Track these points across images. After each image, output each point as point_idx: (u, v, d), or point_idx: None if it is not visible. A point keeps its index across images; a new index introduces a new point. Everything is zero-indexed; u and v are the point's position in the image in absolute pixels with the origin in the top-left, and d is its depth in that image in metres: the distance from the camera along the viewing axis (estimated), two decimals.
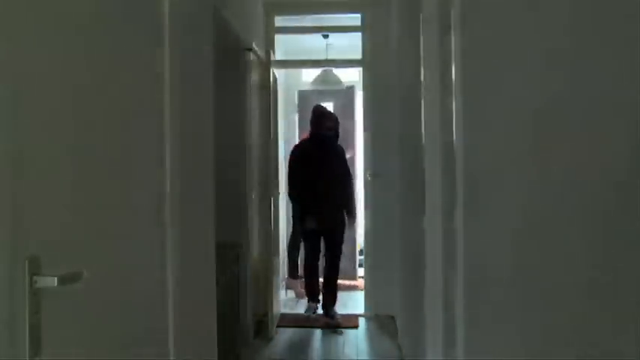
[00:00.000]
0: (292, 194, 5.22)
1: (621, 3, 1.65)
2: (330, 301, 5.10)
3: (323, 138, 5.14)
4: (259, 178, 4.78)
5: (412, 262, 3.32)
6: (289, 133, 6.90)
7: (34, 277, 0.98)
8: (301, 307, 5.52)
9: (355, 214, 5.40)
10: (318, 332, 4.84)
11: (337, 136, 5.28)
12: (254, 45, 4.59)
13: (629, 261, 1.63)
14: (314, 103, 6.32)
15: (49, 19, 1.09)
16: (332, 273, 5.14)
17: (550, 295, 1.67)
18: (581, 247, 1.66)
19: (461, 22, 1.75)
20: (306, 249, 5.29)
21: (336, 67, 6.76)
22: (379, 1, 5.22)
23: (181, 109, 1.79)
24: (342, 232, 5.19)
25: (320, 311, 5.15)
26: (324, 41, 6.61)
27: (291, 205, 5.69)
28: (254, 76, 4.69)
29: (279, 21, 5.67)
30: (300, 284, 5.79)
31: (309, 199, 5.04)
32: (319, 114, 5.24)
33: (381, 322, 5.08)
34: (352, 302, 5.74)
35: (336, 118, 5.35)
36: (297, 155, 5.21)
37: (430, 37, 2.32)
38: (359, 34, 5.53)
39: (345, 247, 5.43)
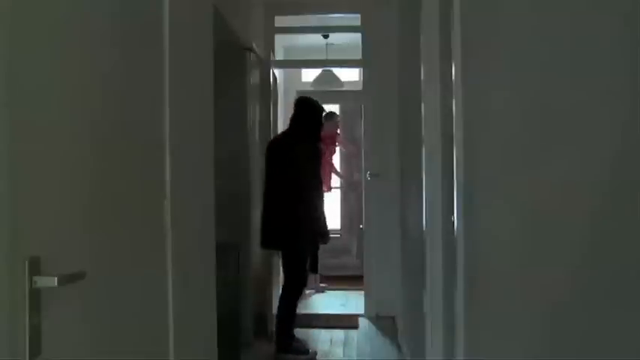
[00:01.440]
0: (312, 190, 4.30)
1: (622, 3, 1.65)
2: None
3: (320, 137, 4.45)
4: (259, 177, 4.77)
5: (412, 262, 3.32)
6: None
7: (34, 277, 0.98)
8: (300, 307, 5.54)
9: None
10: (318, 332, 4.84)
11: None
12: (254, 45, 4.59)
13: (630, 260, 1.63)
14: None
15: (46, 19, 1.09)
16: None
17: (550, 294, 1.67)
18: (581, 247, 1.66)
19: (461, 22, 1.75)
20: (303, 267, 4.28)
21: (336, 67, 6.76)
22: (379, 1, 5.22)
23: (181, 109, 1.79)
24: None
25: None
26: (324, 41, 6.61)
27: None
28: (254, 76, 4.69)
29: (279, 21, 5.67)
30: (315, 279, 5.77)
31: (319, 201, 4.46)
32: (320, 109, 4.40)
33: (381, 322, 5.08)
34: (352, 302, 5.74)
35: None
36: (315, 149, 4.32)
37: (430, 36, 2.32)
38: (359, 34, 5.53)
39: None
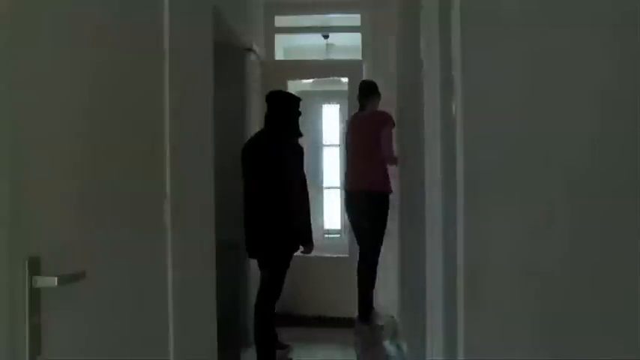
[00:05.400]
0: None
1: (622, 3, 1.65)
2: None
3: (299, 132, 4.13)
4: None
5: (412, 262, 3.32)
6: None
7: (34, 277, 0.99)
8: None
9: None
10: (318, 332, 4.84)
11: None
12: (254, 45, 4.59)
13: (631, 261, 1.63)
14: (315, 104, 6.26)
15: (46, 19, 1.09)
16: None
17: (550, 295, 1.67)
18: (581, 247, 1.66)
19: (461, 22, 1.75)
20: (284, 273, 3.91)
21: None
22: (379, 1, 5.22)
23: (181, 109, 1.79)
24: None
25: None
26: (324, 41, 6.61)
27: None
28: (254, 76, 4.69)
29: (279, 21, 5.67)
30: None
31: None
32: (295, 100, 4.05)
33: (381, 322, 5.07)
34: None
35: None
36: (294, 147, 4.03)
37: (430, 36, 2.32)
38: (359, 34, 5.53)
39: None
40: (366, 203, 4.63)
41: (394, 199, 4.77)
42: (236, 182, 4.03)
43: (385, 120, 4.64)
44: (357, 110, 4.96)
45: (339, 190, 7.32)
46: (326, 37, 6.52)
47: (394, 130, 4.58)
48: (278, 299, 3.96)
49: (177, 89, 1.74)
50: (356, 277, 4.79)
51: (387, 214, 4.67)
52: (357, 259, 4.83)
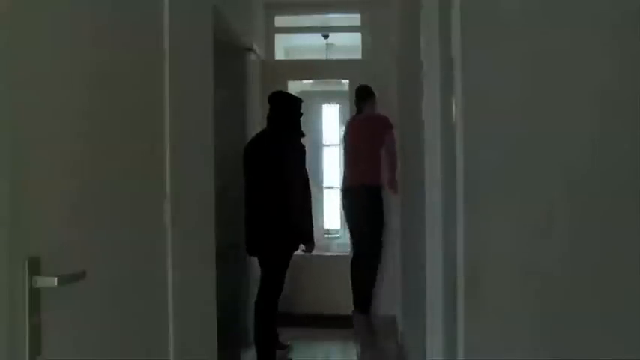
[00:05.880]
0: None
1: (622, 3, 1.65)
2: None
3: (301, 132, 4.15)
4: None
5: (412, 262, 3.32)
6: None
7: (34, 277, 0.99)
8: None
9: None
10: (318, 332, 4.84)
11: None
12: (254, 45, 4.59)
13: (631, 260, 1.63)
14: (315, 105, 6.26)
15: (46, 19, 1.09)
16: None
17: (550, 294, 1.67)
18: (581, 247, 1.66)
19: (461, 22, 1.75)
20: (283, 272, 3.94)
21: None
22: (379, 1, 5.22)
23: (181, 109, 1.79)
24: None
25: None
26: (324, 41, 6.62)
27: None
28: (254, 76, 4.69)
29: (279, 21, 5.68)
30: None
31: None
32: (297, 101, 4.11)
33: (381, 321, 5.08)
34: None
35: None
36: (295, 147, 4.08)
37: (430, 36, 2.32)
38: (359, 34, 5.53)
39: None
40: (366, 198, 4.76)
41: (395, 199, 4.77)
42: (236, 182, 4.03)
43: (387, 124, 4.76)
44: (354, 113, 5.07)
45: (339, 190, 7.33)
46: (326, 37, 6.52)
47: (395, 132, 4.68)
48: (279, 298, 3.97)
49: (177, 89, 1.74)
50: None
51: (382, 207, 4.86)
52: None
